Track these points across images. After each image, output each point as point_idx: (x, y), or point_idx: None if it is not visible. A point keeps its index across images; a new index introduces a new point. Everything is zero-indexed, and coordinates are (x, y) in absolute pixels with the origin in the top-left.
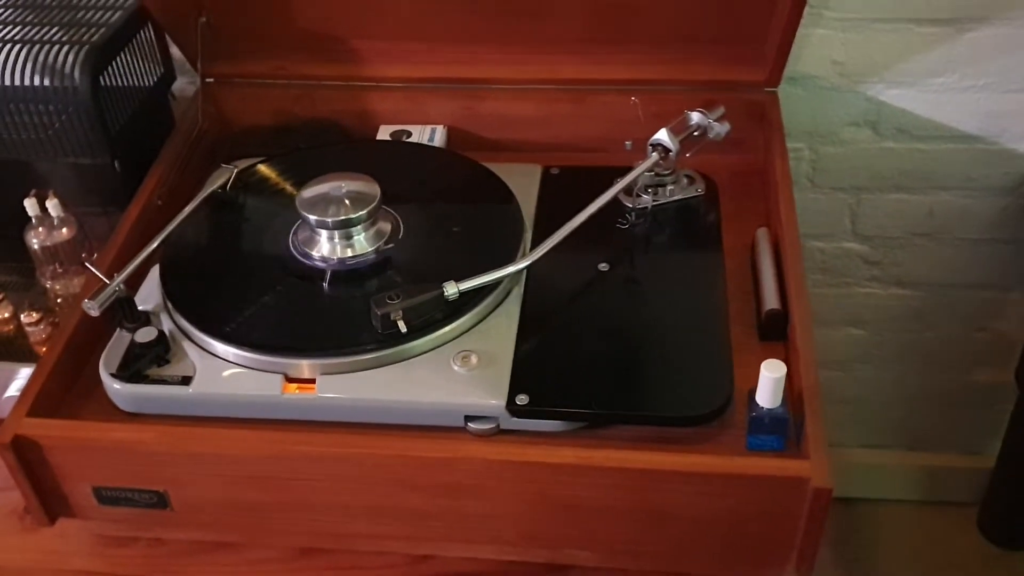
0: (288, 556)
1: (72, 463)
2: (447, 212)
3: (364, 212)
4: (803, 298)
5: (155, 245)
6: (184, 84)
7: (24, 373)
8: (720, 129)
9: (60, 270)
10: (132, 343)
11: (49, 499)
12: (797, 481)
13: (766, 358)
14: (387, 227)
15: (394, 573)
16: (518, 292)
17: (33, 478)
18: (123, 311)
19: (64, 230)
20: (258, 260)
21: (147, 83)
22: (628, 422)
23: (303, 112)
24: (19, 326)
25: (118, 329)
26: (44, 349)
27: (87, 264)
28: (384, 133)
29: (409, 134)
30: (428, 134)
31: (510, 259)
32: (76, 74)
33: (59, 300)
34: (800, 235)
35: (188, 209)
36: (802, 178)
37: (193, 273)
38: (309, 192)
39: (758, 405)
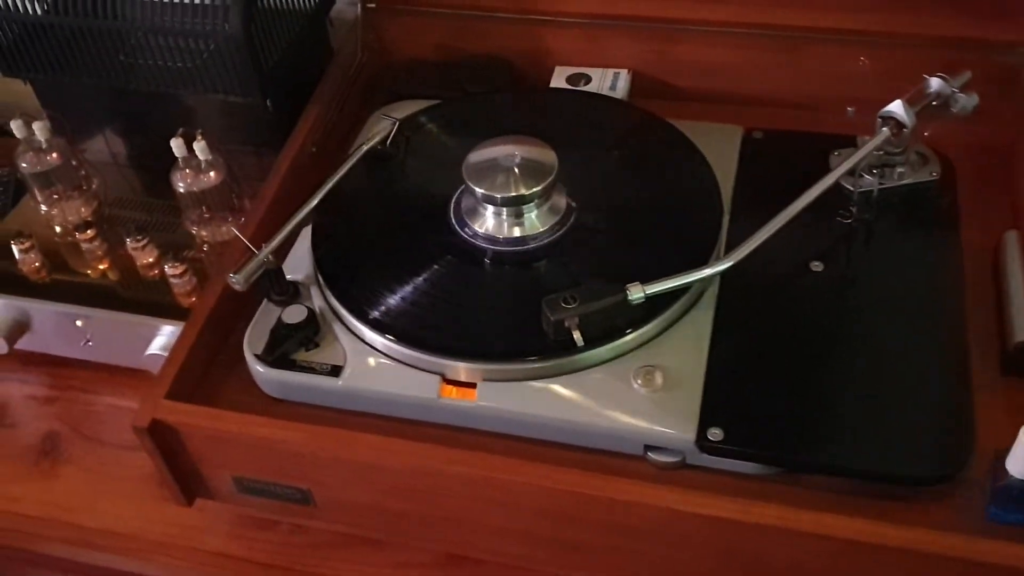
0: (436, 561)
1: (212, 452)
2: (630, 185)
3: (539, 188)
4: None
5: (306, 211)
6: (343, 6)
7: (167, 331)
8: (966, 102)
9: (207, 215)
10: (279, 323)
11: (187, 481)
12: None
13: (1012, 399)
14: (561, 203)
15: None
16: (711, 294)
17: (171, 460)
18: (270, 281)
19: (212, 174)
20: (417, 231)
21: (305, 7)
22: (840, 474)
23: (470, 47)
24: (164, 271)
25: (264, 300)
26: (189, 301)
27: (233, 230)
28: (560, 76)
29: (588, 79)
30: (610, 80)
31: (703, 250)
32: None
33: (205, 247)
34: None
35: (344, 169)
36: None
37: (346, 244)
38: (477, 157)
39: (1008, 473)
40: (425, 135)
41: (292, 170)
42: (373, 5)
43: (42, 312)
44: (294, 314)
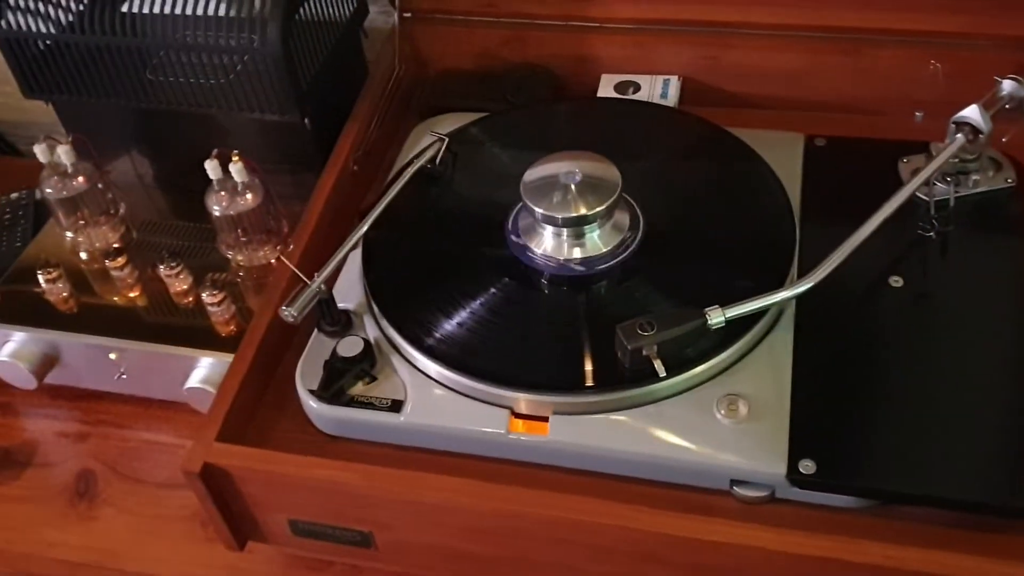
0: None
1: (267, 495)
2: (694, 199)
3: (602, 208)
4: None
5: (357, 236)
6: (376, 15)
7: (205, 363)
8: None
9: (244, 238)
10: (335, 356)
11: (238, 524)
12: None
13: None
14: (624, 221)
15: None
16: (789, 315)
17: (222, 504)
18: (322, 311)
19: (248, 196)
20: (473, 253)
21: (340, 17)
22: (943, 506)
23: (512, 56)
24: (199, 298)
25: (315, 330)
26: (228, 329)
27: (283, 259)
28: (607, 85)
29: (637, 87)
30: (660, 87)
31: (777, 265)
32: (268, 30)
33: (241, 272)
34: None
35: (394, 191)
36: None
37: (399, 269)
38: (534, 175)
39: None
40: (473, 150)
41: (335, 190)
42: (409, 15)
43: (73, 346)
44: (350, 346)
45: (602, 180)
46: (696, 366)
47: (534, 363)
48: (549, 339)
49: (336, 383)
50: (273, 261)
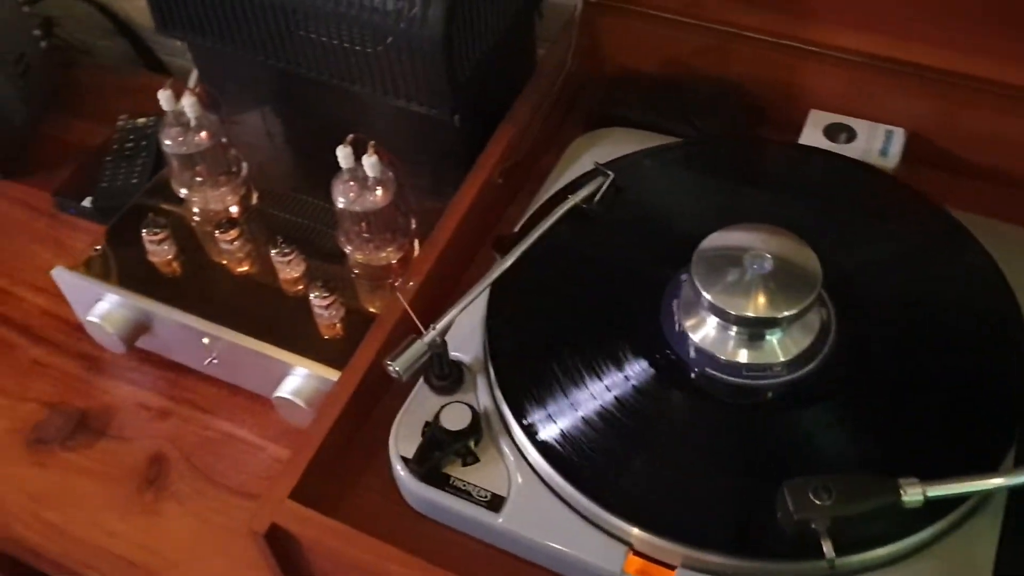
0: None
1: (338, 573)
2: (905, 307)
3: (793, 312)
4: None
5: (486, 286)
6: None
7: (300, 372)
8: None
9: (366, 234)
10: (437, 425)
11: None
12: None
13: None
14: (814, 322)
15: None
16: (1000, 498)
17: (289, 568)
18: (432, 362)
19: (378, 192)
20: (616, 324)
21: (510, 8)
22: None
23: (707, 68)
24: (307, 289)
25: (421, 380)
26: (332, 332)
27: (400, 298)
28: (816, 124)
29: (852, 133)
30: (880, 139)
31: (998, 430)
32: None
33: (356, 272)
34: None
35: (538, 232)
36: None
37: (527, 330)
38: (712, 245)
39: None
40: (641, 186)
41: (473, 207)
42: (594, 0)
43: (166, 320)
44: (455, 417)
45: (796, 272)
46: (873, 549)
47: (668, 497)
48: (691, 467)
49: (432, 456)
50: (394, 262)
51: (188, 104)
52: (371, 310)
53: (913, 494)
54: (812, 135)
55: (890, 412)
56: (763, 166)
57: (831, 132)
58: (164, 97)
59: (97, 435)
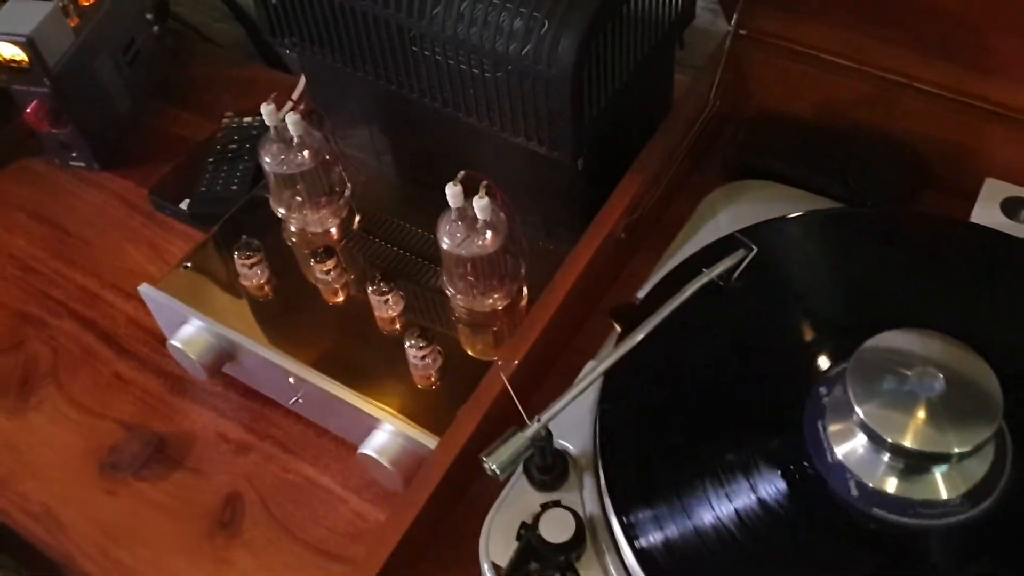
0: None
1: None
2: None
3: (967, 449)
4: None
5: (598, 374)
6: (704, 17)
7: (388, 428)
8: None
9: (471, 278)
10: (536, 535)
11: None
12: None
13: None
14: (987, 454)
15: None
16: None
17: None
18: (534, 452)
19: (488, 236)
20: (746, 427)
21: (653, 35)
22: None
23: (868, 120)
24: (404, 330)
25: (520, 469)
26: (426, 383)
27: (501, 376)
28: (991, 196)
29: None
30: None
31: None
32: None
33: (456, 316)
34: None
35: (665, 312)
36: None
37: (645, 426)
38: (873, 353)
39: None
40: (785, 257)
41: (590, 266)
42: (745, 32)
43: (251, 354)
44: (557, 527)
45: (973, 395)
46: None
47: None
48: None
49: (527, 569)
50: (500, 308)
51: (292, 122)
52: (471, 354)
53: None
54: (987, 208)
55: None
56: (929, 242)
57: (1010, 206)
58: (267, 112)
59: (173, 465)
